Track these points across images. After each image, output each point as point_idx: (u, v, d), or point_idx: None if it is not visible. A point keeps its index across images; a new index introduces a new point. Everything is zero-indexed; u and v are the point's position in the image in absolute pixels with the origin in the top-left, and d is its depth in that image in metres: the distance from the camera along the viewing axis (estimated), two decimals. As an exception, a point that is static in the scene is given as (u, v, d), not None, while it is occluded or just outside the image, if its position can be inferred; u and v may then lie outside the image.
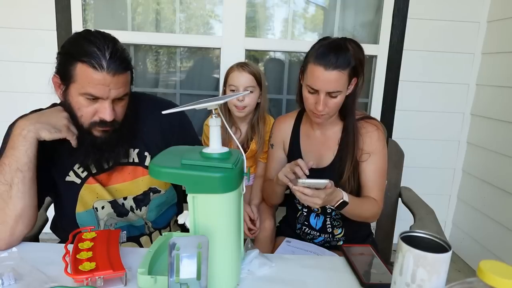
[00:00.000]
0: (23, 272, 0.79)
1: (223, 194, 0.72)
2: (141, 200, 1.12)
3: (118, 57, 0.91)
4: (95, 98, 0.92)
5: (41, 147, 0.92)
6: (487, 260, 0.52)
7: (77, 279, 0.73)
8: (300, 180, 0.99)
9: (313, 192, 0.98)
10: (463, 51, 2.30)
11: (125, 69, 0.93)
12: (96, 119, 0.95)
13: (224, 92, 1.75)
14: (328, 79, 1.10)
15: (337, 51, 1.10)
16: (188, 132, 1.23)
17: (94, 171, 1.06)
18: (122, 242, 0.93)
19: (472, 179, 2.37)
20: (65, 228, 1.09)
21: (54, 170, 1.04)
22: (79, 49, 0.90)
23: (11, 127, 0.98)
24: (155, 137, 1.11)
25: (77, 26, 2.15)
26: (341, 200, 1.07)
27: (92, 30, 0.95)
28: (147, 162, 1.10)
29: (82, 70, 0.89)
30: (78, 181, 1.05)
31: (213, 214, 0.74)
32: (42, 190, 0.97)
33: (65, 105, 0.96)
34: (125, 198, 1.10)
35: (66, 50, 0.94)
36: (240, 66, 1.67)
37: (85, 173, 1.05)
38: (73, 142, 0.94)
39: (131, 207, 1.11)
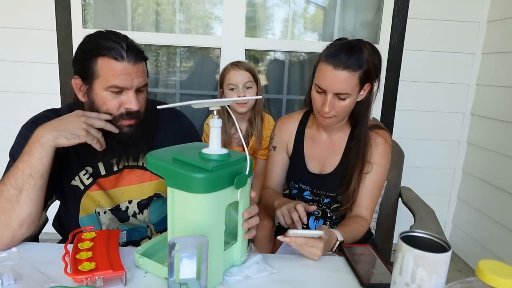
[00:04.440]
0: (23, 272, 0.79)
1: (198, 195, 0.73)
2: (144, 205, 1.12)
3: (135, 48, 0.95)
4: (119, 91, 0.94)
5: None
6: (486, 260, 0.52)
7: (77, 279, 0.73)
8: (290, 231, 0.90)
9: (307, 241, 0.91)
10: (463, 51, 2.30)
11: (142, 58, 0.97)
12: (123, 111, 0.97)
13: (222, 93, 1.76)
14: (337, 79, 1.05)
15: (349, 51, 1.05)
16: None
17: (103, 173, 1.06)
18: (123, 242, 0.93)
19: (472, 179, 2.37)
20: (68, 227, 1.09)
21: (62, 172, 1.03)
22: (97, 45, 0.93)
23: (24, 127, 1.00)
24: (168, 145, 1.13)
25: (77, 26, 2.15)
26: (338, 242, 1.00)
27: (103, 30, 0.99)
28: None
29: (104, 64, 0.92)
30: (82, 187, 1.05)
31: (189, 212, 0.75)
32: (48, 193, 0.96)
33: (88, 103, 0.97)
34: (130, 202, 1.10)
35: (83, 50, 0.96)
36: (235, 65, 1.70)
37: (90, 180, 1.05)
38: (96, 146, 0.93)
39: (134, 212, 1.11)
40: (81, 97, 0.99)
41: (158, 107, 0.81)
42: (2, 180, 0.89)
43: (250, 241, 0.94)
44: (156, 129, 1.12)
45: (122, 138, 0.98)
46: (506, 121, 2.07)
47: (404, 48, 2.26)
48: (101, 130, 0.95)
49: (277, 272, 0.86)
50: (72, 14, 2.13)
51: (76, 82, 0.98)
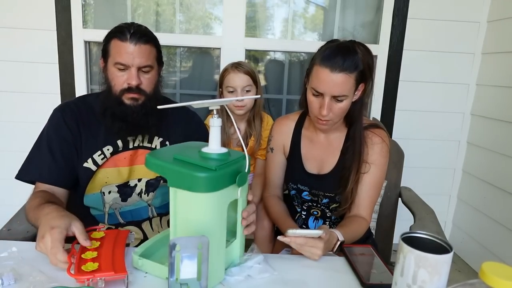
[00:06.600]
0: (23, 272, 0.79)
1: (202, 194, 0.73)
2: (152, 184, 1.20)
3: (140, 31, 1.08)
4: (124, 69, 1.07)
5: (69, 132, 1.09)
6: (489, 262, 0.52)
7: (79, 280, 0.73)
8: (290, 231, 0.91)
9: (307, 241, 0.91)
10: (463, 51, 2.30)
11: (146, 41, 1.08)
12: (125, 86, 1.08)
13: (221, 94, 1.76)
14: (334, 82, 1.05)
15: (345, 54, 1.05)
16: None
17: (120, 148, 1.14)
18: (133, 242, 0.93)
19: (472, 179, 2.37)
20: (73, 205, 1.13)
21: (75, 155, 1.12)
22: (113, 30, 1.10)
23: (54, 110, 1.14)
24: (178, 136, 1.20)
25: (77, 26, 2.15)
26: (339, 242, 1.01)
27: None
28: None
29: (114, 44, 1.07)
30: (94, 168, 1.12)
31: (192, 211, 0.75)
32: (72, 178, 1.11)
33: (105, 79, 1.12)
34: (139, 180, 1.18)
35: (106, 35, 1.11)
36: (235, 67, 1.68)
37: (104, 159, 1.12)
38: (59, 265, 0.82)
39: (141, 190, 1.19)
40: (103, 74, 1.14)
41: (159, 107, 0.83)
42: (33, 209, 0.97)
43: (251, 241, 0.94)
44: (170, 120, 1.22)
45: (127, 111, 1.09)
46: (506, 121, 2.07)
47: (404, 48, 2.26)
48: (113, 110, 1.08)
49: (278, 273, 0.86)
50: (72, 14, 2.13)
51: (101, 62, 1.14)
